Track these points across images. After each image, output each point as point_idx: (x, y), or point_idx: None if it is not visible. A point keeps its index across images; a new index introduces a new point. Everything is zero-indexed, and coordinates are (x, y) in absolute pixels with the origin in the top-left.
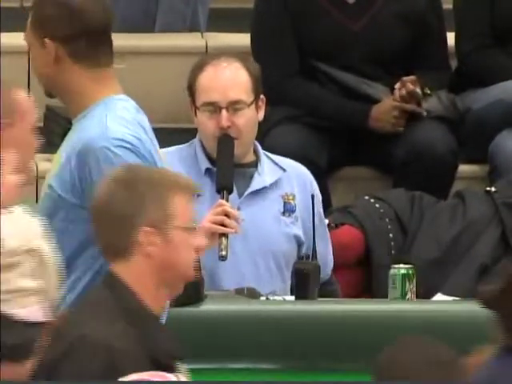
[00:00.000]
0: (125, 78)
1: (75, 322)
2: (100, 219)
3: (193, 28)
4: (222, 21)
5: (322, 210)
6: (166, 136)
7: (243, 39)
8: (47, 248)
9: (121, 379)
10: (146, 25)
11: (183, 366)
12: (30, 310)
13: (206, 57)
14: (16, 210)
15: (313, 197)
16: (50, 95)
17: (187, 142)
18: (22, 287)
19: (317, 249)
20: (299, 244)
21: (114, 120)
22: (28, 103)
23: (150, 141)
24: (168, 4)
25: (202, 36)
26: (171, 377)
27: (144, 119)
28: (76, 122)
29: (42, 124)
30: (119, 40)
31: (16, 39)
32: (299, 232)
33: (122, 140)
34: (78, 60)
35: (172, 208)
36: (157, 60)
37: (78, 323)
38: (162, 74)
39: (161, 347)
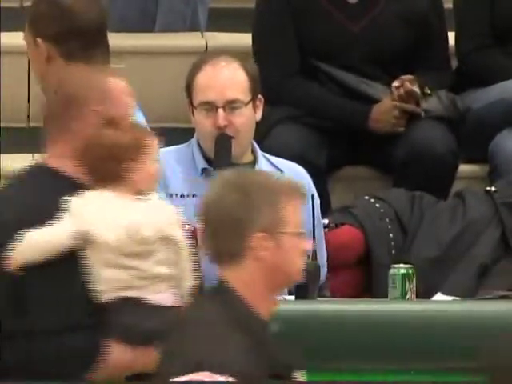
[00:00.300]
0: (124, 78)
1: (191, 340)
2: (213, 224)
3: (193, 28)
4: (222, 21)
5: (319, 213)
6: (166, 136)
7: (243, 39)
8: (181, 235)
9: None
10: (145, 25)
11: (299, 374)
12: (162, 296)
13: (203, 56)
14: (152, 198)
15: (313, 197)
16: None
17: (186, 141)
18: (156, 274)
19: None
20: None
21: None
22: (118, 94)
23: None
24: (168, 4)
25: (202, 36)
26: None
27: (139, 117)
28: None
29: (41, 124)
30: (118, 40)
31: (16, 39)
32: None
33: None
34: (69, 60)
35: (284, 213)
36: (157, 60)
37: (194, 343)
38: (161, 74)
39: (277, 356)
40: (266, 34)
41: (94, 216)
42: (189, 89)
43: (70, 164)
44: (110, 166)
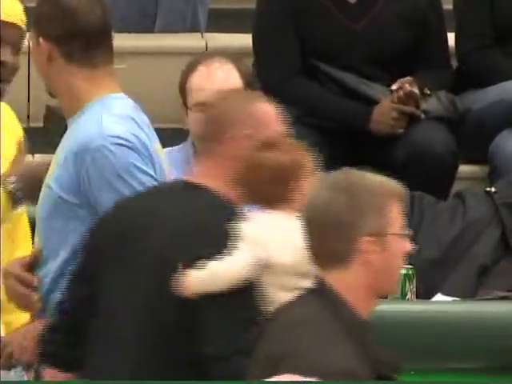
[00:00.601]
0: (125, 78)
1: (298, 340)
2: (319, 228)
3: (193, 28)
4: (222, 21)
5: None
6: (166, 136)
7: (243, 39)
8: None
9: None
10: (145, 25)
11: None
12: None
13: (197, 57)
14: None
15: None
16: (51, 94)
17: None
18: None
19: None
20: None
21: (109, 118)
22: (269, 116)
23: (147, 139)
24: (168, 4)
25: (202, 36)
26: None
27: (142, 117)
28: (72, 123)
29: (41, 124)
30: (119, 40)
31: None
32: None
33: (118, 137)
34: (70, 60)
35: (390, 215)
36: (157, 60)
37: (304, 344)
38: (162, 75)
39: (382, 360)
40: (266, 34)
41: (269, 240)
42: (183, 90)
43: (217, 184)
44: (275, 188)
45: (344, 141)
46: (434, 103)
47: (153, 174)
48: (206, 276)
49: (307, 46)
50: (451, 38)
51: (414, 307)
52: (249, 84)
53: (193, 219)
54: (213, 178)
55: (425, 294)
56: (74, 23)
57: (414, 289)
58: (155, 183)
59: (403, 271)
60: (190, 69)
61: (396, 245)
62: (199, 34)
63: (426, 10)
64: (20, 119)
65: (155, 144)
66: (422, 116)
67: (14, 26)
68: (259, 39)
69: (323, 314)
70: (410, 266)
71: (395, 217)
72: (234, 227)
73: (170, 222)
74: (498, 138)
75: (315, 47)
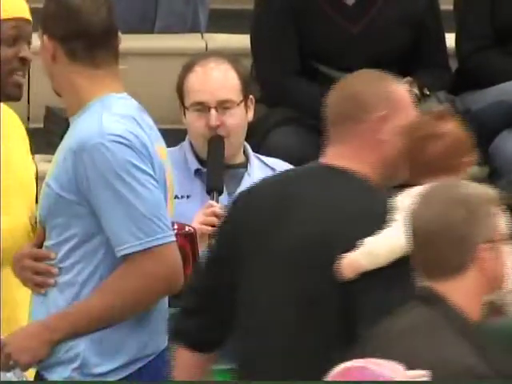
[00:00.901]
0: (126, 78)
1: (414, 345)
2: (435, 240)
3: (193, 29)
4: (221, 21)
5: None
6: (166, 137)
7: (243, 40)
8: None
9: None
10: (144, 27)
11: None
12: None
13: (194, 57)
14: None
15: None
16: (57, 93)
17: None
18: None
19: None
20: None
21: (109, 117)
22: (405, 99)
23: (147, 138)
24: (168, 6)
25: (202, 37)
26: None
27: (144, 118)
28: (73, 121)
29: (41, 125)
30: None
31: None
32: None
33: (117, 135)
34: (74, 59)
35: (497, 221)
36: (158, 61)
37: (417, 348)
38: (162, 75)
39: (501, 366)
40: (265, 34)
41: None
42: (180, 90)
43: (358, 166)
44: (450, 160)
45: None
46: (434, 104)
47: (151, 173)
48: (365, 254)
49: (306, 47)
50: (451, 38)
51: None
52: (246, 84)
53: (354, 205)
54: (351, 159)
55: None
56: (78, 23)
57: None
58: (154, 182)
59: None
60: (187, 69)
61: (504, 250)
62: (199, 35)
63: (424, 11)
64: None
65: (157, 145)
66: None
67: (28, 22)
68: (258, 40)
69: (437, 320)
70: None
71: (499, 222)
72: (391, 209)
73: (327, 207)
74: (498, 139)
75: (313, 49)
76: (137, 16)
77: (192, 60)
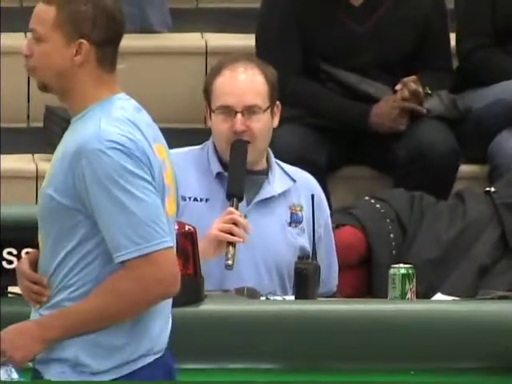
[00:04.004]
0: (125, 78)
1: None
2: None
3: (144, 29)
4: (222, 21)
5: (330, 223)
6: (167, 136)
7: (243, 39)
8: None
9: None
10: None
11: None
12: None
13: (223, 60)
14: None
15: (312, 196)
16: (44, 89)
17: (188, 142)
18: None
19: (324, 262)
20: (304, 255)
21: (108, 121)
22: None
23: (145, 141)
24: None
25: (202, 36)
26: None
27: (143, 118)
28: (73, 122)
29: (41, 124)
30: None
31: (16, 39)
32: (305, 243)
33: (115, 142)
34: (101, 64)
35: None
36: (157, 60)
37: None
38: (162, 74)
39: None
40: (269, 34)
41: None
42: (207, 92)
43: None
44: None
45: (344, 140)
46: (436, 103)
47: (149, 179)
48: None
49: (311, 47)
50: (452, 37)
51: (413, 307)
52: (273, 90)
53: None
54: None
55: (425, 293)
56: (115, 28)
57: (414, 288)
58: (151, 188)
59: (403, 271)
60: (215, 72)
61: None
62: (199, 35)
63: (430, 12)
64: (20, 119)
65: (157, 144)
66: (424, 111)
67: None
68: (262, 39)
69: None
70: (410, 266)
71: None
72: None
73: None
74: (498, 137)
75: (319, 49)
76: None
77: (220, 62)
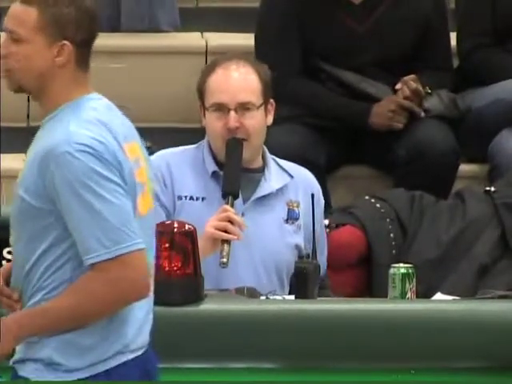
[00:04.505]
0: (125, 77)
1: None
2: None
3: (152, 27)
4: (222, 20)
5: (323, 219)
6: (166, 135)
7: (243, 39)
8: None
9: None
10: (110, 27)
11: None
12: None
13: (216, 58)
14: None
15: (312, 196)
16: (18, 91)
17: (186, 141)
18: None
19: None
20: (300, 253)
21: (78, 124)
22: None
23: (115, 142)
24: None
25: (202, 36)
26: None
27: (114, 118)
28: (45, 122)
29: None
30: (120, 40)
31: None
32: (301, 241)
33: (84, 145)
34: (79, 64)
35: None
36: (157, 60)
37: None
38: (162, 74)
39: None
40: (269, 33)
41: None
42: (201, 91)
43: None
44: None
45: (345, 140)
46: (436, 102)
47: (119, 181)
48: None
49: (311, 46)
50: (452, 37)
51: (413, 306)
52: (267, 87)
53: None
54: None
55: (425, 293)
56: (95, 29)
57: (414, 288)
58: (121, 190)
59: (403, 270)
60: (209, 70)
61: None
62: (199, 34)
63: (430, 11)
64: (20, 119)
65: (129, 142)
66: (422, 114)
67: None
68: (262, 38)
69: None
70: (410, 266)
71: None
72: None
73: None
74: (498, 136)
75: (319, 48)
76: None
77: (214, 61)
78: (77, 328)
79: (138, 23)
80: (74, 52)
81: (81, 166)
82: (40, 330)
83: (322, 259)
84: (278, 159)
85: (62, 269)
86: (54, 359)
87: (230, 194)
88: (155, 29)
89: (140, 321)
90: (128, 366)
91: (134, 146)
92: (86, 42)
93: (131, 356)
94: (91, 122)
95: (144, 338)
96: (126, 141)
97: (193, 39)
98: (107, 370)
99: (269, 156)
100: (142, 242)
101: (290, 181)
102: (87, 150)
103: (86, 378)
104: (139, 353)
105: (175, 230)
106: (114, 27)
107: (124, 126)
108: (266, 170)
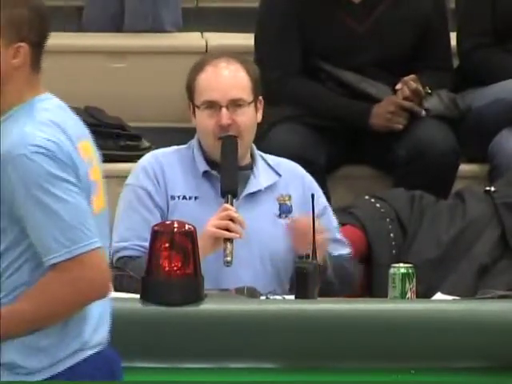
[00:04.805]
0: (125, 77)
1: None
2: None
3: (155, 27)
4: (222, 20)
5: (325, 201)
6: (165, 135)
7: (243, 39)
8: None
9: None
10: (114, 27)
11: None
12: None
13: (205, 57)
14: None
15: (312, 196)
16: None
17: (186, 141)
18: None
19: (328, 232)
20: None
21: (32, 125)
22: None
23: (69, 142)
24: (131, 5)
25: (202, 36)
26: None
27: (67, 119)
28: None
29: None
30: (120, 39)
31: None
32: None
33: (38, 146)
34: (34, 65)
35: None
36: (157, 60)
37: None
38: (162, 74)
39: None
40: (269, 33)
41: None
42: (190, 89)
43: None
44: None
45: (344, 140)
46: (436, 102)
47: (74, 181)
48: None
49: (311, 46)
50: (452, 37)
51: (413, 306)
52: (256, 85)
53: None
54: None
55: (425, 293)
56: (47, 29)
57: (414, 288)
58: (77, 190)
59: (403, 270)
60: (197, 68)
61: None
62: (199, 34)
63: (431, 12)
64: None
65: (82, 141)
66: (423, 113)
67: None
68: (262, 38)
69: None
70: (410, 266)
71: None
72: None
73: None
74: (498, 136)
75: (319, 48)
76: (108, 16)
77: (202, 59)
78: (39, 330)
79: (142, 22)
80: (29, 53)
81: (36, 168)
82: (5, 334)
83: (338, 237)
84: (265, 156)
85: (20, 271)
86: (16, 362)
87: (229, 192)
88: (158, 29)
89: (96, 319)
90: (89, 362)
91: (87, 146)
92: (40, 43)
93: (92, 351)
94: (45, 123)
95: (104, 333)
96: (79, 140)
97: (193, 39)
98: (70, 367)
99: (257, 153)
100: (99, 241)
101: (279, 179)
102: (41, 151)
103: (49, 379)
104: (100, 348)
105: (175, 229)
106: (118, 26)
107: (77, 125)
108: (254, 167)
